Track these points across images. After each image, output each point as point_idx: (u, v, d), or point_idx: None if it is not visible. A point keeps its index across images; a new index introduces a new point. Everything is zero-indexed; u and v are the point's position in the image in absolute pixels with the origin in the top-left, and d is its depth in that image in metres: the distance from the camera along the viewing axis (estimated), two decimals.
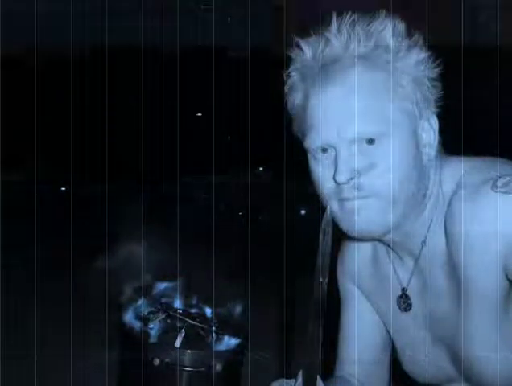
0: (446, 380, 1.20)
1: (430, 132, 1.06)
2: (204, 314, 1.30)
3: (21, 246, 4.28)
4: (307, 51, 1.06)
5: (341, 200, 1.04)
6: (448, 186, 1.07)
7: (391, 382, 1.33)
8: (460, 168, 1.08)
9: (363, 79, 1.01)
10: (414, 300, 1.16)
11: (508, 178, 0.99)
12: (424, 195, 1.07)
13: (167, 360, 1.17)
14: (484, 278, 1.02)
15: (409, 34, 1.05)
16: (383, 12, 1.04)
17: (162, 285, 1.33)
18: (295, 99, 1.09)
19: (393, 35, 1.03)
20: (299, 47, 1.07)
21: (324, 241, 0.97)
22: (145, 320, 1.24)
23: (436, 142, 1.07)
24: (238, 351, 1.24)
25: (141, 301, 1.28)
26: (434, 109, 1.07)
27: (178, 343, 1.19)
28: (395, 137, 1.01)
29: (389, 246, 1.16)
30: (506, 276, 1.00)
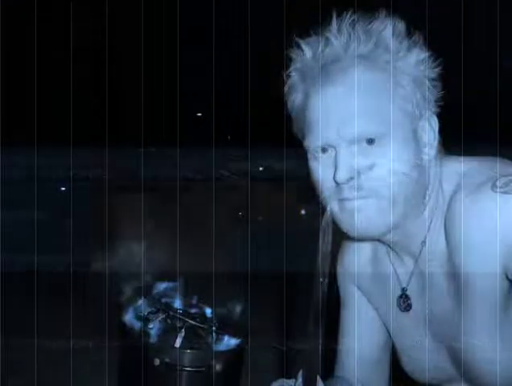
0: (446, 380, 1.20)
1: (430, 132, 1.06)
2: (204, 314, 1.30)
3: None
4: (307, 51, 1.06)
5: (341, 200, 1.04)
6: (448, 186, 1.07)
7: (391, 382, 1.33)
8: (460, 168, 1.08)
9: (363, 79, 1.01)
10: (414, 300, 1.16)
11: (508, 178, 0.99)
12: (424, 195, 1.07)
13: (167, 360, 1.17)
14: (484, 278, 1.02)
15: (409, 34, 1.05)
16: (383, 12, 1.04)
17: (162, 285, 1.33)
18: (295, 99, 1.09)
19: (393, 35, 1.03)
20: (299, 47, 1.07)
21: (324, 241, 0.97)
22: (145, 320, 1.24)
23: (436, 142, 1.07)
24: (238, 350, 1.24)
25: (141, 301, 1.28)
26: (434, 109, 1.07)
27: (178, 343, 1.19)
28: (395, 137, 1.01)
29: (389, 246, 1.16)
30: (506, 276, 1.00)
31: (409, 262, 1.14)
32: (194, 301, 1.33)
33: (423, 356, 1.18)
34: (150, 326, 1.23)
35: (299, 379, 1.05)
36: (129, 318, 1.26)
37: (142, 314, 1.25)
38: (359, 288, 1.28)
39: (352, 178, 1.01)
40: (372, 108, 1.00)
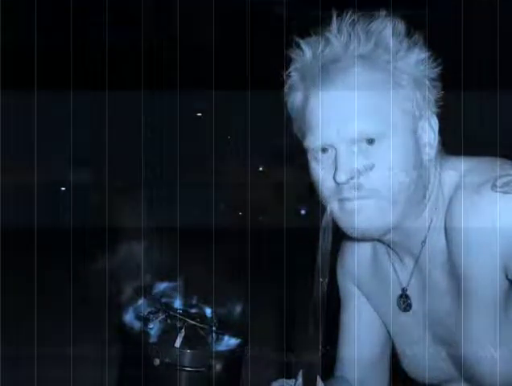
0: (446, 380, 1.20)
1: (430, 132, 1.06)
2: (204, 314, 1.30)
3: None
4: (307, 51, 1.06)
5: (341, 200, 1.04)
6: (448, 186, 1.08)
7: (391, 382, 1.33)
8: (460, 168, 1.08)
9: (363, 79, 1.01)
10: (414, 300, 1.16)
11: (508, 178, 0.99)
12: (424, 195, 1.07)
13: (167, 360, 1.17)
14: (484, 278, 1.02)
15: (409, 34, 1.05)
16: (383, 12, 1.04)
17: (162, 285, 1.33)
18: (294, 99, 1.09)
19: (393, 35, 1.03)
20: (299, 47, 1.07)
21: (324, 241, 0.97)
22: (145, 320, 1.24)
23: (436, 142, 1.07)
24: (238, 350, 1.24)
25: (141, 301, 1.28)
26: (434, 109, 1.07)
27: (178, 343, 1.19)
28: (395, 137, 1.01)
29: (389, 246, 1.16)
30: (506, 276, 1.01)
31: (409, 262, 1.14)
32: (194, 301, 1.33)
33: (422, 356, 1.18)
34: (150, 326, 1.24)
35: (299, 379, 1.05)
36: (129, 318, 1.26)
37: (142, 314, 1.25)
38: (359, 288, 1.28)
39: (352, 178, 1.01)
40: (372, 108, 1.00)
